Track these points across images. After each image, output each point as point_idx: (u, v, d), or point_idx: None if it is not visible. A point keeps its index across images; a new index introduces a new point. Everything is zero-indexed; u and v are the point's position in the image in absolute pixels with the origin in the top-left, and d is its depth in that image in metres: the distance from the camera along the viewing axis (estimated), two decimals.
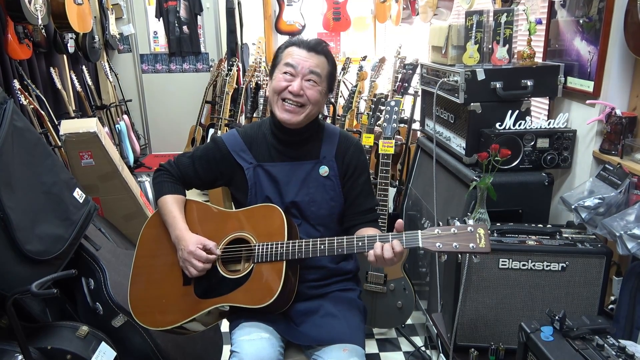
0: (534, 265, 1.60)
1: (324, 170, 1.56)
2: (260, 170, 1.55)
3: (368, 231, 1.52)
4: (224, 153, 1.58)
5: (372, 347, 2.46)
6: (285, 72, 1.46)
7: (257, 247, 1.44)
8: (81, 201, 1.87)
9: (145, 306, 1.52)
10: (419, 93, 2.99)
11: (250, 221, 1.51)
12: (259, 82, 3.85)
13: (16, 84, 3.01)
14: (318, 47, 1.47)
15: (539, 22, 2.05)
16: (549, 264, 1.59)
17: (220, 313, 1.53)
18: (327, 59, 1.49)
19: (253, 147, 1.57)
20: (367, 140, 2.66)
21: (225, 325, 1.65)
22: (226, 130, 3.84)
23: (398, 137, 3.24)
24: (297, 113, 1.47)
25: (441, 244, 1.26)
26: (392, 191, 2.99)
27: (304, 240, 1.41)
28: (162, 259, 1.54)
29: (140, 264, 1.56)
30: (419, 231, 1.29)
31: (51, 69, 3.73)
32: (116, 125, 4.70)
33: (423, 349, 2.40)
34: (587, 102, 1.84)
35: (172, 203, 1.54)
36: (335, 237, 1.38)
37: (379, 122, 2.69)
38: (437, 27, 2.37)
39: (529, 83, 1.96)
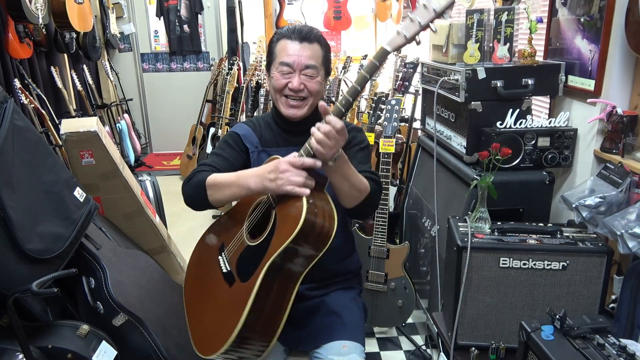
0: (534, 264, 1.59)
1: None
2: (265, 155, 1.54)
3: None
4: (238, 140, 1.59)
5: (372, 346, 2.46)
6: (282, 70, 1.47)
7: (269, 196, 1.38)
8: (82, 200, 1.87)
9: (204, 333, 1.43)
10: (420, 92, 2.99)
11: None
12: (260, 81, 3.85)
13: (17, 83, 3.01)
14: (310, 35, 1.47)
15: (540, 20, 2.05)
16: (549, 263, 1.58)
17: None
18: (320, 44, 1.49)
19: (260, 134, 1.59)
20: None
21: None
22: (227, 129, 3.85)
23: (399, 135, 3.24)
24: (301, 107, 1.50)
25: (405, 32, 1.27)
26: (392, 190, 2.99)
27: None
28: (208, 286, 1.50)
29: (190, 299, 1.56)
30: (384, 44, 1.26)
31: (52, 68, 3.73)
32: (117, 124, 4.71)
33: (424, 347, 2.40)
34: (588, 100, 1.84)
35: (218, 175, 1.46)
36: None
37: (380, 120, 2.68)
38: (437, 26, 2.36)
39: (530, 82, 1.95)
